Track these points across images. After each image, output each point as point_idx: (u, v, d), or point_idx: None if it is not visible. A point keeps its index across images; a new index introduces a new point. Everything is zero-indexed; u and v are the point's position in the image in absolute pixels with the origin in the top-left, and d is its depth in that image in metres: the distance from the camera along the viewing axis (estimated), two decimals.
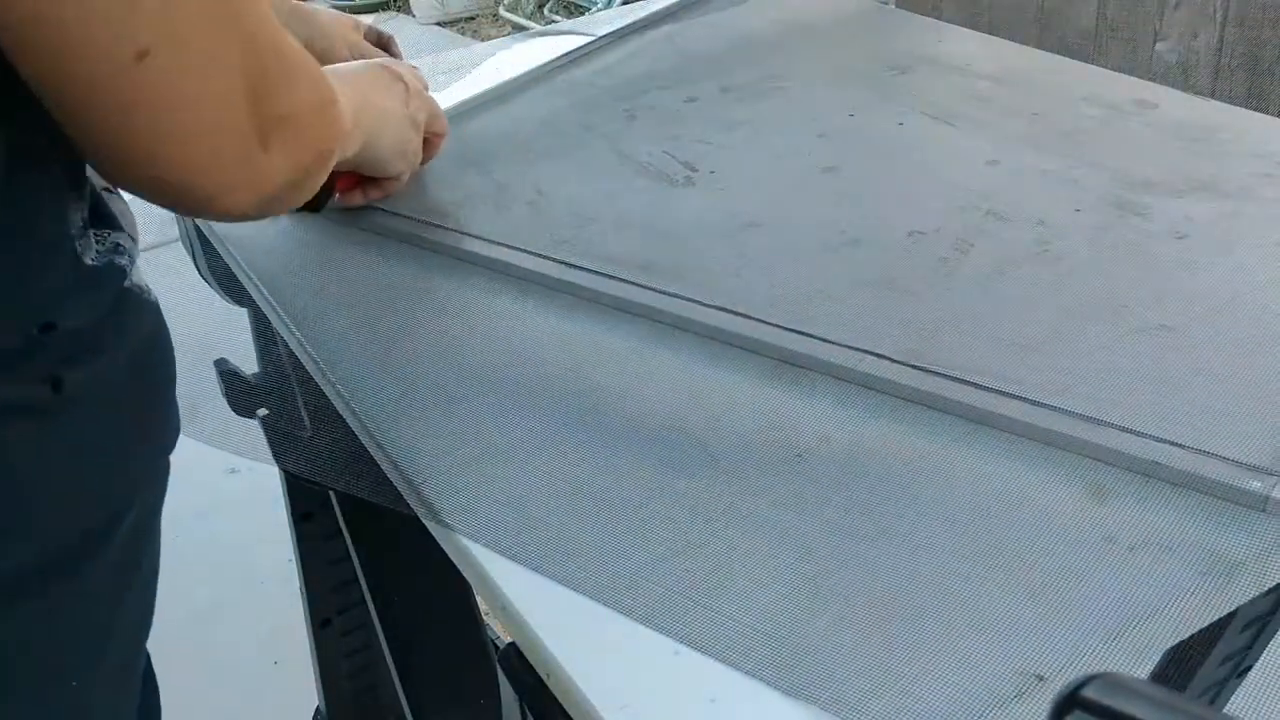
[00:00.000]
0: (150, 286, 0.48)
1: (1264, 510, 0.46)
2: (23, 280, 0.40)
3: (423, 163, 0.73)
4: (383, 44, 0.88)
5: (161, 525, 0.50)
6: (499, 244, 0.67)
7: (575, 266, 0.63)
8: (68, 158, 0.42)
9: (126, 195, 0.47)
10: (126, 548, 0.46)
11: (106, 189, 0.46)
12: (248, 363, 0.85)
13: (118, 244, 0.45)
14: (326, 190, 0.61)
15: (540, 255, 0.65)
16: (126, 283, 0.45)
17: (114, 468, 0.45)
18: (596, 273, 0.63)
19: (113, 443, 0.45)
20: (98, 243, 0.44)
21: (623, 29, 1.02)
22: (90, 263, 0.43)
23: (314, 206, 0.62)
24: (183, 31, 0.38)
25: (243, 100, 0.41)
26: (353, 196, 0.71)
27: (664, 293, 0.60)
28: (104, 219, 0.45)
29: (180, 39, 0.38)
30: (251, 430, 0.83)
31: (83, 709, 0.46)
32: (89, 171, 0.44)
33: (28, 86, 0.37)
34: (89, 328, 0.43)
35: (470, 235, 0.69)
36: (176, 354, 0.51)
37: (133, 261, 0.46)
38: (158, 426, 0.49)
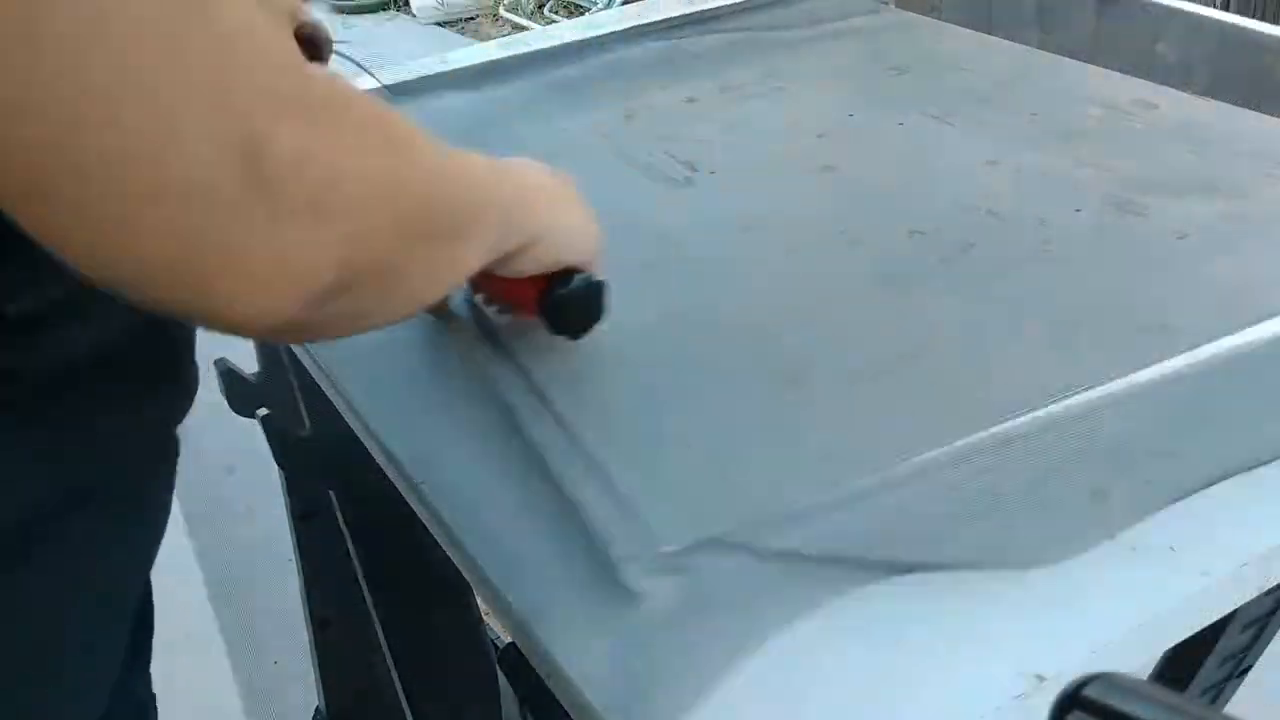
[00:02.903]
0: None
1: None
2: None
3: None
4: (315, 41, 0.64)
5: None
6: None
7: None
8: None
9: None
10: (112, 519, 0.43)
11: None
12: (248, 363, 0.85)
13: None
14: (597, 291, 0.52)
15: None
16: None
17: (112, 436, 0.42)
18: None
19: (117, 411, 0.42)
20: None
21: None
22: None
23: (593, 317, 0.53)
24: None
25: (226, 150, 0.28)
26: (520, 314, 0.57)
27: None
28: None
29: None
30: (251, 430, 0.83)
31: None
32: None
33: None
34: (51, 307, 0.37)
35: None
36: None
37: None
38: (169, 390, 0.45)
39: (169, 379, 0.46)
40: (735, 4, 1.07)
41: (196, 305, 0.30)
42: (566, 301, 0.53)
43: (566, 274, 0.53)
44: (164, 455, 0.48)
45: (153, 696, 0.56)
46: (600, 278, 0.54)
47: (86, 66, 0.26)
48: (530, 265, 0.50)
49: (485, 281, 0.56)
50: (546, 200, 0.51)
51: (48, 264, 0.30)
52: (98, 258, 0.29)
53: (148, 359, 0.44)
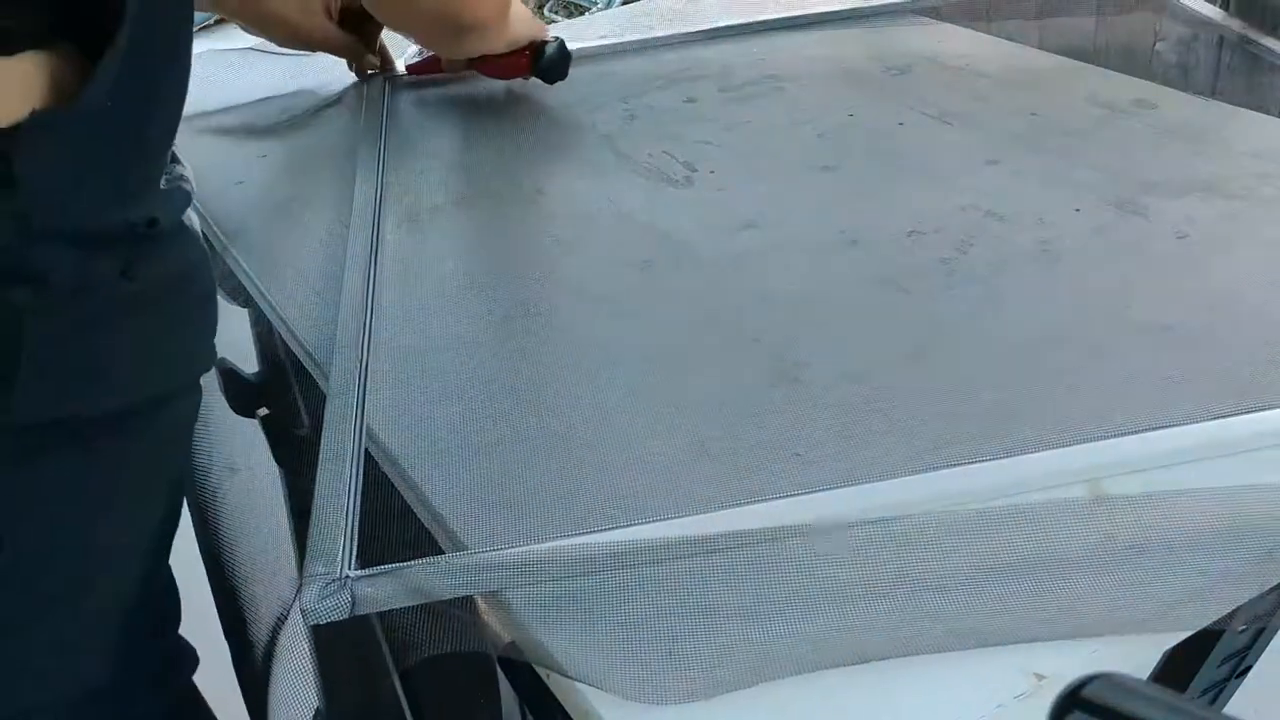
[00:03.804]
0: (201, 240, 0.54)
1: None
2: (141, 183, 0.47)
3: None
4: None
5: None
6: None
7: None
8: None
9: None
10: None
11: None
12: (248, 363, 0.85)
13: (182, 175, 0.52)
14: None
15: None
16: (184, 217, 0.52)
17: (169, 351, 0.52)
18: None
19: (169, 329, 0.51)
20: (168, 172, 0.50)
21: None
22: (164, 184, 0.50)
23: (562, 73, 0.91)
24: None
25: None
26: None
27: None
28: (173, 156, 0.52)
29: None
30: (251, 430, 0.83)
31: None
32: None
33: None
34: (168, 234, 0.49)
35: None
36: None
37: (193, 193, 0.53)
38: (195, 338, 0.55)
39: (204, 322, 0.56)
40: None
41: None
42: (555, 62, 0.91)
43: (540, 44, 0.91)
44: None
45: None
46: (558, 38, 0.91)
47: None
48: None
49: (481, 63, 0.94)
50: None
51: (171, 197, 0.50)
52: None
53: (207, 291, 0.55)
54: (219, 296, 0.74)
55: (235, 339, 0.79)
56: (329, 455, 0.51)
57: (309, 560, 0.45)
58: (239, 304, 0.75)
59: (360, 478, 0.50)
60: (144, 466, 0.52)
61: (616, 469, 0.50)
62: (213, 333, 0.56)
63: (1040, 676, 0.39)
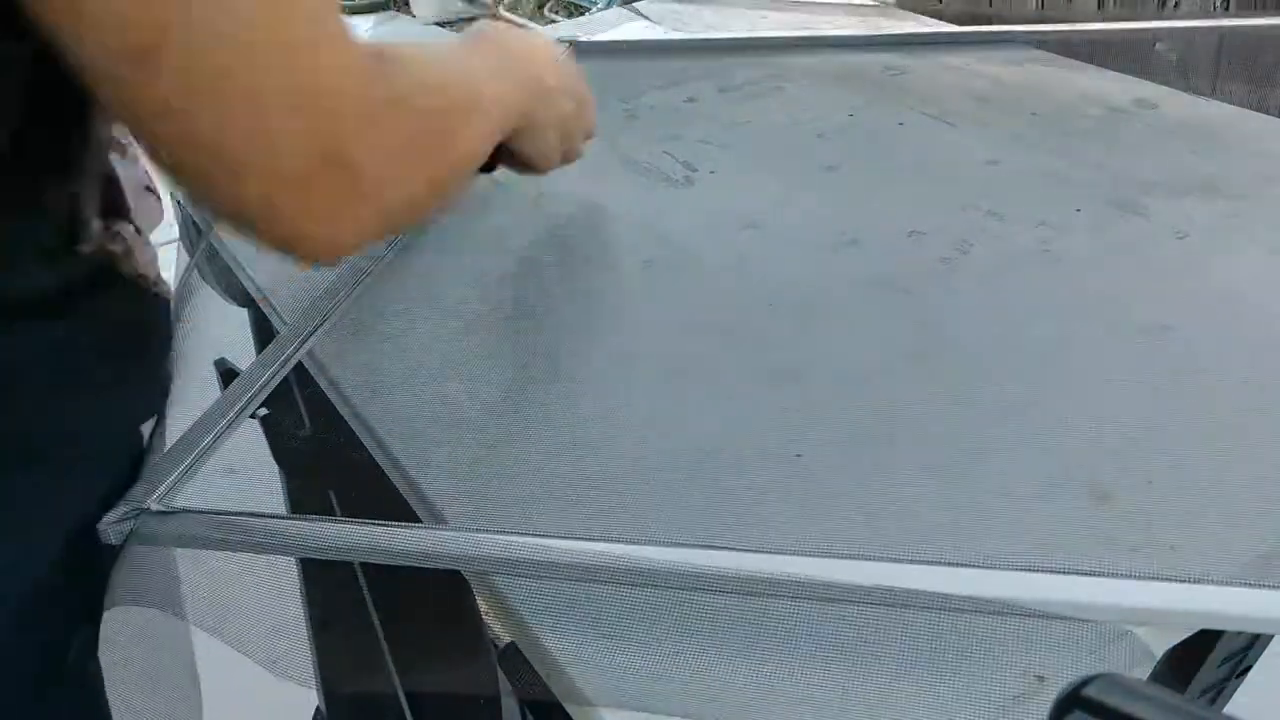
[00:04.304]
0: (167, 285, 0.49)
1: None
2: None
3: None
4: None
5: None
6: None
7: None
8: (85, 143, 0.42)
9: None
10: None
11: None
12: (248, 363, 0.85)
13: (117, 232, 0.45)
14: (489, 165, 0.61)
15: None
16: (124, 269, 0.46)
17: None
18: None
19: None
20: (99, 235, 0.44)
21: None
22: (84, 251, 0.43)
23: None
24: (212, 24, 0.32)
25: (303, 140, 0.35)
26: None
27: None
28: (115, 209, 0.45)
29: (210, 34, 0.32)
30: (251, 431, 0.83)
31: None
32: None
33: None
34: (50, 295, 0.42)
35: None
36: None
37: (129, 252, 0.46)
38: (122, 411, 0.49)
39: (135, 393, 0.50)
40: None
41: (268, 237, 0.38)
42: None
43: None
44: None
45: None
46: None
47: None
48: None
49: None
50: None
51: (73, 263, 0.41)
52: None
53: (118, 368, 0.48)
54: (220, 296, 0.74)
55: (235, 339, 0.79)
56: (221, 402, 0.53)
57: (136, 485, 0.48)
58: (239, 304, 0.75)
59: (230, 431, 0.53)
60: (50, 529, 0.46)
61: (616, 469, 0.49)
62: (148, 385, 0.51)
63: (1040, 677, 0.39)
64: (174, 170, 0.36)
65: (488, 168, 0.63)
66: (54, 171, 0.41)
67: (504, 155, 0.62)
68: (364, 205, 0.39)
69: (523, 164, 0.64)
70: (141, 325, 0.49)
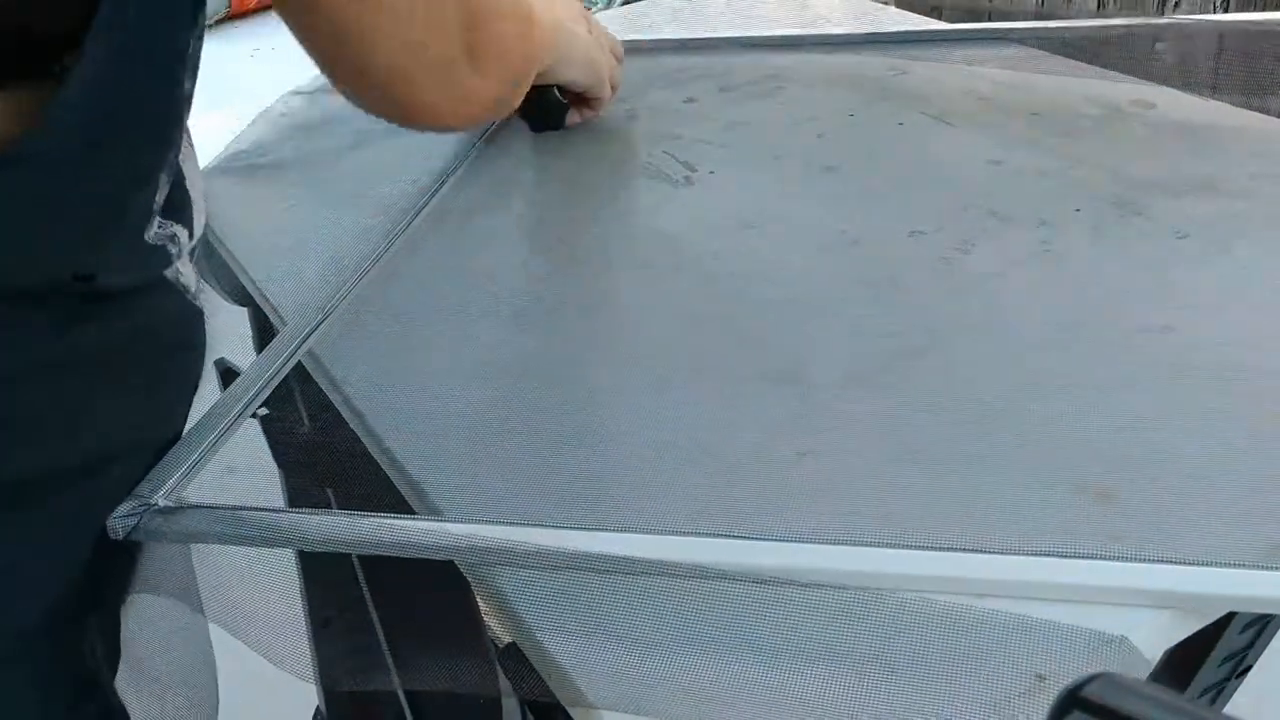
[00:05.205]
0: (200, 296, 0.51)
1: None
2: (82, 233, 0.42)
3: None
4: None
5: None
6: None
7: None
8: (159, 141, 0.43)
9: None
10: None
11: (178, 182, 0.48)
12: (248, 363, 0.85)
13: (174, 234, 0.47)
14: (562, 108, 0.79)
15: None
16: (169, 271, 0.48)
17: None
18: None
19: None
20: (160, 227, 0.46)
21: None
22: (148, 240, 0.45)
23: (556, 124, 0.81)
24: None
25: (456, 30, 0.50)
26: (570, 118, 0.83)
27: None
28: (173, 209, 0.47)
29: None
30: (251, 431, 0.83)
31: None
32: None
33: None
34: (121, 293, 0.45)
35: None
36: None
37: (180, 254, 0.48)
38: (145, 400, 0.50)
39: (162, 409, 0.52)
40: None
41: (406, 119, 0.56)
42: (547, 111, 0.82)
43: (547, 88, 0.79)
44: None
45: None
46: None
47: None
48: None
49: None
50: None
51: (143, 259, 0.46)
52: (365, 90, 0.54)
53: (150, 377, 0.50)
54: (219, 296, 0.74)
55: (235, 339, 0.79)
56: (226, 398, 0.54)
57: (143, 482, 0.48)
58: (238, 303, 0.75)
59: (238, 427, 0.54)
60: (75, 529, 0.46)
61: (616, 467, 0.50)
62: (180, 393, 0.52)
63: (1041, 677, 0.39)
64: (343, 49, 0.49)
65: (556, 122, 0.81)
66: (164, 148, 0.44)
67: (558, 109, 0.80)
68: (484, 86, 0.56)
69: (580, 100, 0.81)
70: (184, 333, 0.51)
